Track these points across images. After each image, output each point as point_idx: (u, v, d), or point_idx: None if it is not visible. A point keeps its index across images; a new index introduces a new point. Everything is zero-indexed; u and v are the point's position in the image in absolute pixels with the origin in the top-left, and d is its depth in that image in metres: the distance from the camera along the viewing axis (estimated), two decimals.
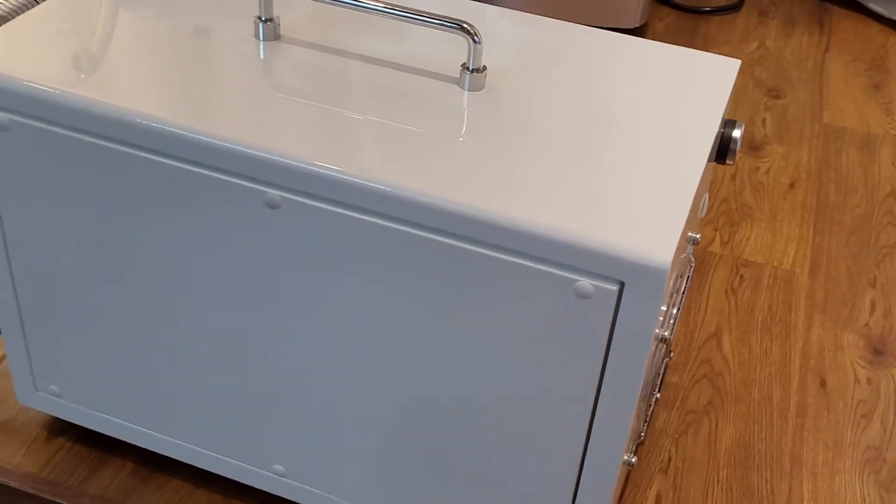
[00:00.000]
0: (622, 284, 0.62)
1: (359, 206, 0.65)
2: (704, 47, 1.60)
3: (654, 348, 0.67)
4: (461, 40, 0.74)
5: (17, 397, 0.88)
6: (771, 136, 1.40)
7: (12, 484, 0.85)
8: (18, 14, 0.81)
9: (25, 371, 0.86)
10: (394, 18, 0.73)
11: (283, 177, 0.66)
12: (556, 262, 0.62)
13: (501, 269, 0.64)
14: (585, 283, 0.62)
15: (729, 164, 0.77)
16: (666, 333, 0.73)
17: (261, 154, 0.66)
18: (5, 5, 0.82)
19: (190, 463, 0.85)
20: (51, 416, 0.90)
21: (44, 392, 0.86)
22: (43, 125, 0.71)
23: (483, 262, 0.64)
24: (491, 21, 0.82)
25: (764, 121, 1.43)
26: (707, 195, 0.74)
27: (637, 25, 1.54)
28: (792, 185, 1.30)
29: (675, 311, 0.78)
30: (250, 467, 0.83)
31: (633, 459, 0.78)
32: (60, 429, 0.90)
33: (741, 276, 1.14)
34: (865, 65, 1.59)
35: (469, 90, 0.73)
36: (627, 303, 0.62)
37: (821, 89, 1.51)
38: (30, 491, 0.85)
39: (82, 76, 0.71)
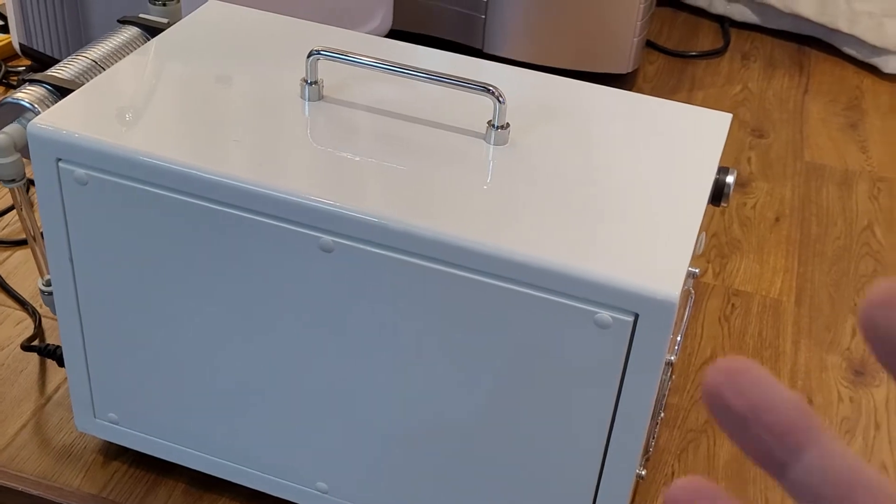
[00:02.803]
0: (636, 316, 0.71)
1: (402, 248, 0.74)
2: (692, 90, 1.70)
3: (663, 371, 0.76)
4: (481, 98, 0.84)
5: (76, 425, 0.96)
6: (756, 173, 1.50)
7: None
8: (81, 78, 0.90)
9: (86, 401, 0.94)
10: (425, 81, 0.82)
11: (336, 223, 0.75)
12: (578, 297, 0.72)
13: (530, 305, 0.73)
14: (605, 314, 0.71)
15: (724, 206, 0.86)
16: (672, 358, 0.82)
17: (316, 203, 0.75)
18: (68, 70, 0.91)
19: (238, 482, 0.93)
20: (106, 441, 0.98)
21: (102, 419, 0.95)
22: (116, 179, 0.80)
23: (514, 298, 0.73)
24: (504, 79, 0.92)
25: (749, 159, 1.53)
26: (704, 233, 0.83)
27: (629, 70, 1.64)
28: (777, 220, 1.40)
29: (678, 339, 0.87)
30: (295, 485, 0.91)
31: (643, 472, 0.87)
32: (116, 453, 0.98)
33: (733, 304, 1.24)
34: (842, 105, 1.69)
35: (494, 145, 0.82)
36: (641, 332, 0.71)
37: (801, 129, 1.62)
38: None
39: (150, 135, 0.80)
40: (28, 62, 1.50)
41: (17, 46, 1.39)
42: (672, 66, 1.78)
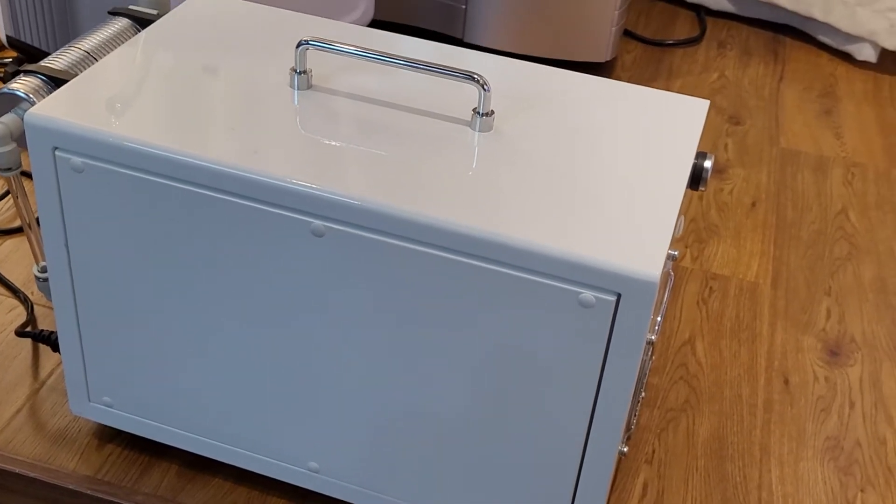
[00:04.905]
0: (619, 295, 0.74)
1: (391, 232, 0.77)
2: (669, 78, 1.73)
3: (644, 350, 0.79)
4: (465, 86, 0.86)
5: (71, 409, 0.98)
6: (733, 159, 1.53)
7: (71, 486, 0.95)
8: (75, 69, 0.92)
9: (81, 385, 0.96)
10: (412, 70, 0.84)
11: (327, 208, 0.77)
12: (562, 278, 0.74)
13: (515, 286, 0.75)
14: (588, 294, 0.74)
15: (701, 190, 0.89)
16: (653, 337, 0.85)
17: (307, 189, 0.77)
18: (62, 61, 0.93)
19: (231, 463, 0.95)
20: (100, 424, 1.00)
21: (97, 403, 0.97)
22: (112, 167, 0.82)
23: (500, 279, 0.75)
24: (488, 68, 0.94)
25: (726, 145, 1.56)
26: (683, 217, 0.85)
27: (608, 59, 1.66)
28: (753, 205, 1.43)
29: (658, 319, 0.90)
30: (286, 465, 0.93)
31: (625, 449, 0.90)
32: (110, 436, 1.00)
33: (710, 287, 1.27)
34: (816, 92, 1.73)
35: (480, 131, 0.85)
36: (623, 311, 0.74)
37: (777, 116, 1.65)
38: (88, 492, 0.95)
39: (145, 124, 0.82)
40: (14, 54, 1.51)
41: (3, 38, 1.40)
42: (649, 55, 1.81)
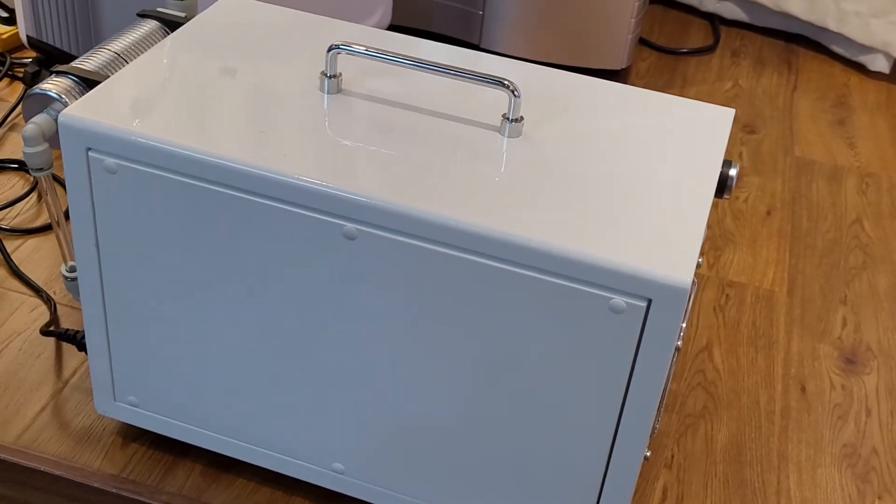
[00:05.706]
0: (650, 301, 0.74)
1: (423, 236, 0.77)
2: (683, 86, 1.74)
3: (673, 355, 0.80)
4: (491, 91, 0.87)
5: (96, 408, 0.98)
6: (748, 168, 1.53)
7: (97, 484, 0.96)
8: (106, 70, 0.92)
9: (107, 384, 0.96)
10: (443, 75, 0.85)
11: (359, 212, 0.78)
12: (593, 283, 0.75)
13: (547, 291, 0.76)
14: (619, 300, 0.75)
15: (725, 198, 0.90)
16: (679, 343, 0.85)
17: (340, 192, 0.78)
18: (93, 62, 0.93)
19: (255, 463, 0.96)
20: (125, 423, 1.01)
21: (122, 402, 0.97)
22: (145, 168, 0.82)
23: (532, 284, 0.76)
24: (514, 73, 0.95)
25: (741, 154, 1.57)
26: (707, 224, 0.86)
27: (623, 67, 1.67)
28: (769, 213, 1.44)
29: (683, 325, 0.90)
30: (311, 466, 0.94)
31: (648, 453, 0.91)
32: (135, 435, 1.01)
33: (727, 295, 1.28)
34: (830, 102, 1.74)
35: (509, 137, 0.85)
36: (654, 317, 0.75)
37: (791, 125, 1.66)
38: (113, 490, 0.96)
39: (178, 126, 0.83)
40: (33, 54, 1.52)
41: (24, 38, 1.41)
42: (664, 63, 1.82)
